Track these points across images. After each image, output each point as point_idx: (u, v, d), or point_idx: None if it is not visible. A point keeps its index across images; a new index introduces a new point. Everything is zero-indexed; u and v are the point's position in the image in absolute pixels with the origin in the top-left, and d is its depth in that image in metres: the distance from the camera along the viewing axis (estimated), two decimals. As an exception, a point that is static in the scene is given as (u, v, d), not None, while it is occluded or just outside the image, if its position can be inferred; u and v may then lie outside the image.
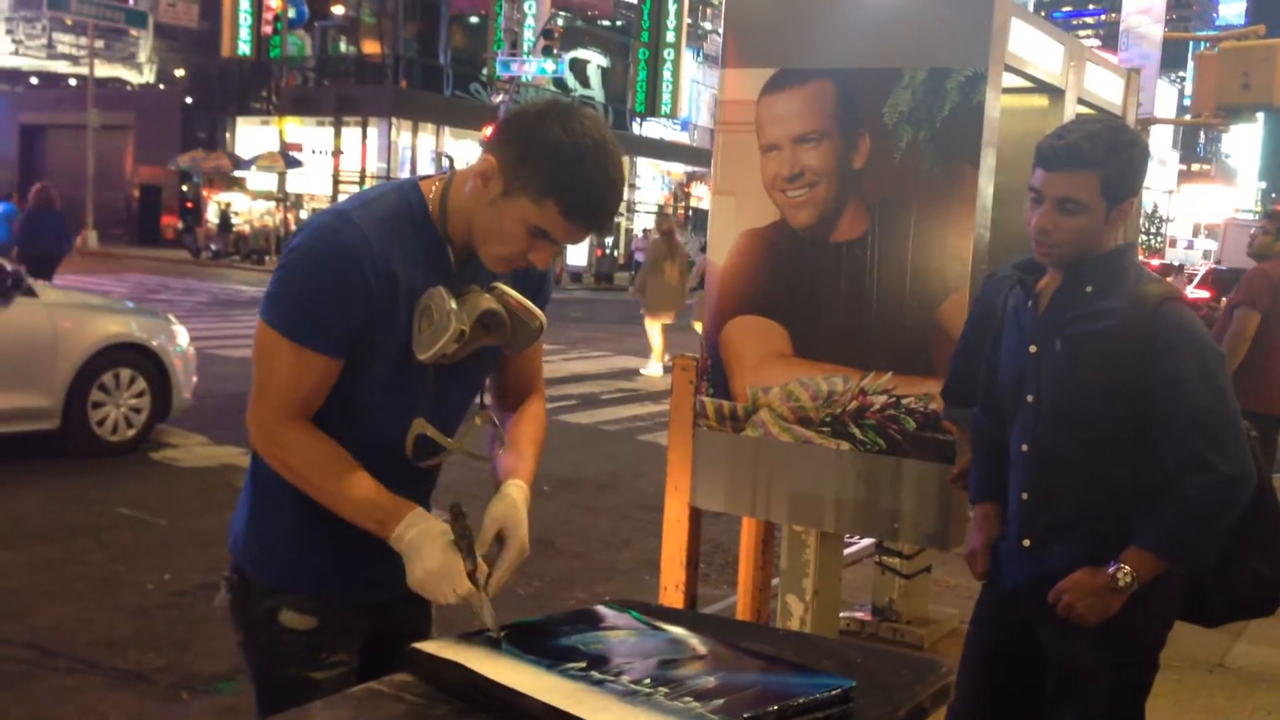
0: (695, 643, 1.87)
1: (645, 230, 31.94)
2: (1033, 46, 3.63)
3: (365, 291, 1.80)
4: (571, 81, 37.43)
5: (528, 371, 2.13)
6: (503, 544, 1.87)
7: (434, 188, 1.90)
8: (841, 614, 4.49)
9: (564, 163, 1.74)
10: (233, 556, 2.02)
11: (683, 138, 43.44)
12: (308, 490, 1.86)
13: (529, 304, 1.92)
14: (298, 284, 1.81)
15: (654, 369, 12.98)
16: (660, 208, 36.70)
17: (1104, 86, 4.35)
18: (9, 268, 7.23)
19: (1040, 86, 3.86)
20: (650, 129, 41.77)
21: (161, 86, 39.83)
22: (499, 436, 2.04)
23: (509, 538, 1.87)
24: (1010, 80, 3.54)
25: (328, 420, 1.86)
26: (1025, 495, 2.43)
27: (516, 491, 1.93)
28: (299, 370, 1.82)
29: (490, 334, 1.88)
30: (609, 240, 32.12)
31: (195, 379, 8.09)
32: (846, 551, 4.82)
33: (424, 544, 1.80)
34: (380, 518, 1.82)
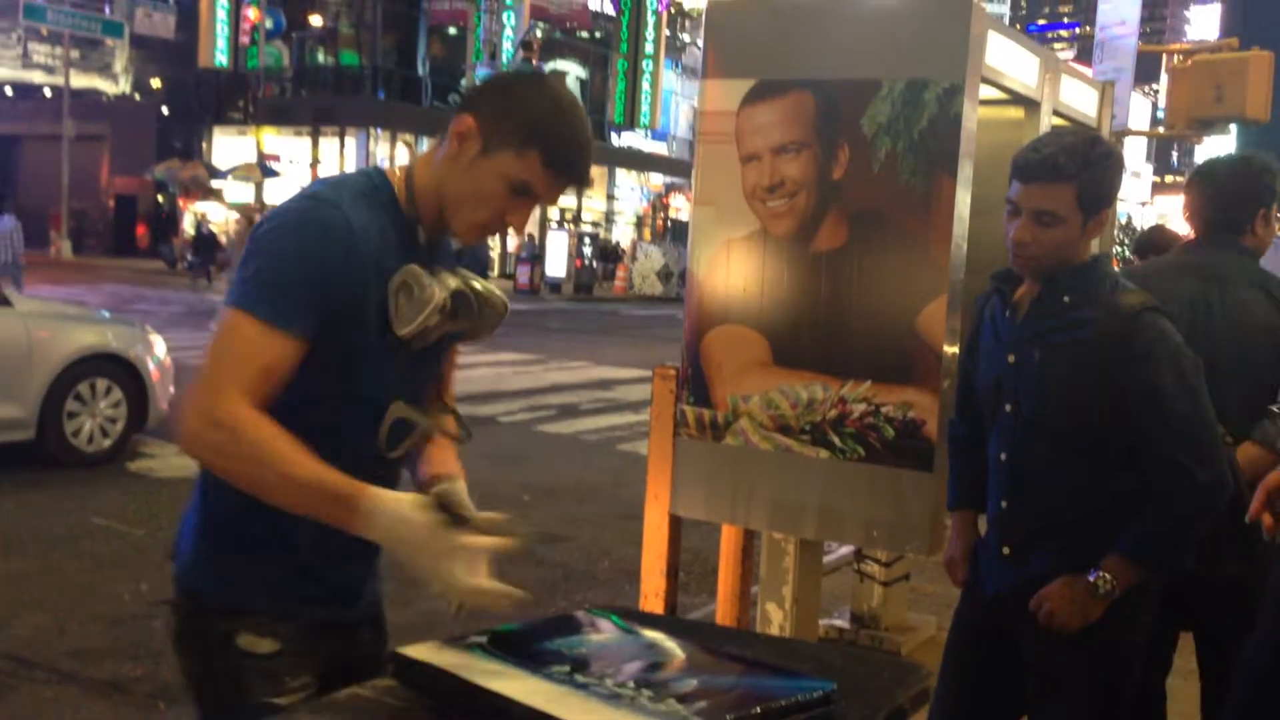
0: (675, 647, 1.88)
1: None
2: (1009, 59, 3.67)
3: (346, 265, 1.73)
4: (550, 93, 37.42)
5: (445, 373, 2.11)
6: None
7: (397, 172, 1.89)
8: (821, 622, 4.51)
9: (545, 114, 1.80)
10: (178, 579, 1.90)
11: (661, 148, 43.51)
12: (255, 475, 1.69)
13: (493, 287, 1.91)
14: (271, 262, 1.72)
15: None
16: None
17: (1079, 99, 4.40)
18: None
19: (1016, 99, 3.89)
20: (628, 139, 41.83)
21: (137, 97, 39.60)
22: (460, 424, 1.99)
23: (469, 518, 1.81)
24: (987, 92, 3.57)
25: (299, 420, 1.72)
26: (1004, 503, 2.45)
27: (461, 483, 1.93)
28: (260, 348, 1.69)
29: (456, 319, 1.85)
30: (587, 251, 32.10)
31: (172, 389, 8.04)
32: (826, 560, 4.83)
33: (412, 511, 1.65)
34: (341, 494, 1.66)
